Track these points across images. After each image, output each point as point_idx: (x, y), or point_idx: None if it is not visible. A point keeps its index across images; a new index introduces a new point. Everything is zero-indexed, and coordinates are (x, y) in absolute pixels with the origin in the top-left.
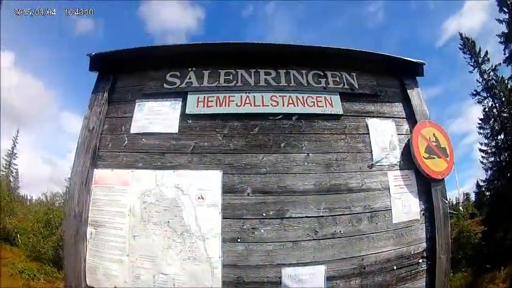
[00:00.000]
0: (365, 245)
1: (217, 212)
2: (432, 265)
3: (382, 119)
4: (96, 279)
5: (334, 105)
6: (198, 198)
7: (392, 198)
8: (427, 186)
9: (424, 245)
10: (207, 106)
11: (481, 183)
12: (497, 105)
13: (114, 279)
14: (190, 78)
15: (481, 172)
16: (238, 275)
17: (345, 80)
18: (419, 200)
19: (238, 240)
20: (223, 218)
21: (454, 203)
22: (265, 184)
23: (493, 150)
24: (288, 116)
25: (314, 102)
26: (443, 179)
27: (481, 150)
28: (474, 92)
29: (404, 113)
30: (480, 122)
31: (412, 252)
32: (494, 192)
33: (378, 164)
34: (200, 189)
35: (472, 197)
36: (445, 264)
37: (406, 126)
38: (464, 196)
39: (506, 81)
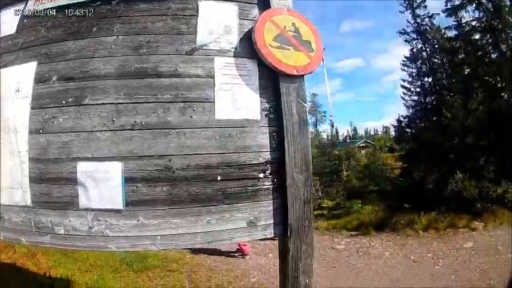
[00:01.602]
0: (174, 141)
1: (28, 103)
2: (281, 185)
3: (220, 1)
4: None
5: None
6: (16, 91)
7: (217, 89)
8: (274, 82)
9: (268, 155)
10: (41, 3)
11: (402, 119)
12: (427, 49)
13: None
14: None
15: (403, 109)
16: (41, 170)
17: None
18: (261, 97)
19: (41, 131)
20: (32, 108)
21: (372, 133)
22: (70, 70)
23: (418, 90)
24: (107, 1)
25: None
26: (301, 76)
27: (403, 86)
28: (403, 31)
29: None
30: (405, 60)
31: (247, 162)
32: (416, 132)
33: (202, 48)
34: (18, 82)
35: (392, 132)
36: (302, 188)
37: (255, 12)
38: (383, 129)
39: (443, 30)
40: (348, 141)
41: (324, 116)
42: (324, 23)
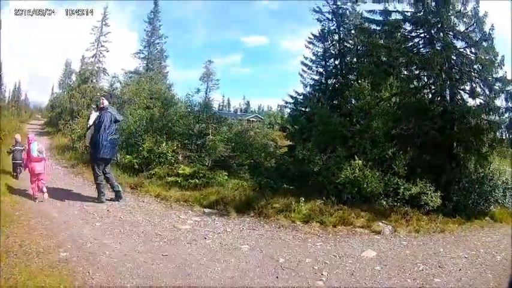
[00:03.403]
0: None
1: None
2: None
3: None
4: None
5: None
6: None
7: None
8: None
9: None
10: None
11: (297, 96)
12: (341, 34)
13: None
14: None
15: (299, 86)
16: None
17: None
18: None
19: None
20: None
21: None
22: None
23: (320, 70)
24: None
25: None
26: None
27: (303, 63)
28: (317, 9)
29: None
30: (312, 37)
31: None
32: (312, 111)
33: None
34: None
35: (286, 112)
36: None
37: None
38: (278, 107)
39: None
40: (238, 113)
41: (217, 84)
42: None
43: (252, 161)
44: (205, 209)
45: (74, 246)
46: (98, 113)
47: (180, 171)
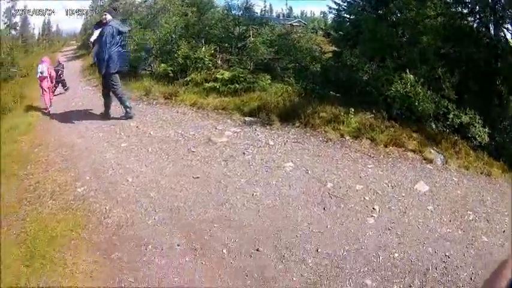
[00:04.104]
0: None
1: None
2: None
3: None
4: None
5: None
6: None
7: None
8: None
9: None
10: None
11: (341, 2)
12: None
13: None
14: None
15: None
16: None
17: None
18: None
19: None
20: None
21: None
22: None
23: None
24: None
25: None
26: None
27: None
28: None
29: None
30: None
31: None
32: (357, 18)
33: None
34: None
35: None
36: None
37: None
38: (321, 13)
39: None
40: (280, 18)
41: None
42: None
43: (297, 64)
44: (245, 118)
45: (92, 178)
46: (99, 30)
47: (219, 76)
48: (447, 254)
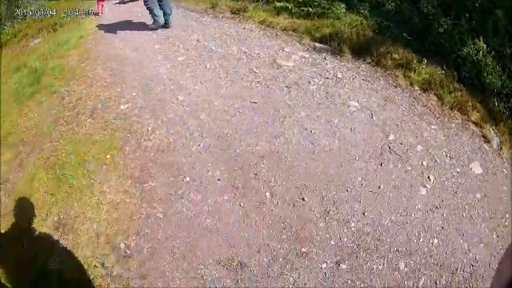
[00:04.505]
0: None
1: None
2: None
3: None
4: None
5: None
6: None
7: None
8: None
9: None
10: None
11: None
12: None
13: None
14: None
15: None
16: None
17: None
18: None
19: None
20: None
21: None
22: None
23: None
24: None
25: None
26: None
27: None
28: None
29: None
30: None
31: None
32: None
33: None
34: None
35: None
36: None
37: None
38: None
39: None
40: None
41: None
42: None
43: None
44: (315, 43)
45: (140, 94)
46: None
47: None
48: (477, 257)
